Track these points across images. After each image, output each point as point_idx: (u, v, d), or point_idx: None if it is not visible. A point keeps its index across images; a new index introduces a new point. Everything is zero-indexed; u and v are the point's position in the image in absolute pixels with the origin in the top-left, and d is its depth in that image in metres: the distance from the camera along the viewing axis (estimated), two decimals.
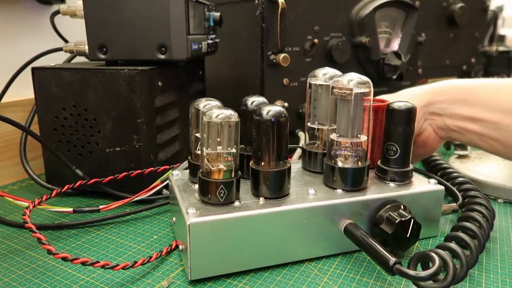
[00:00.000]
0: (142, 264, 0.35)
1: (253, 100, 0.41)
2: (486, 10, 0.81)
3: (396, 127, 0.40)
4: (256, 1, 0.57)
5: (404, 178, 0.41)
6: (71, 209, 0.43)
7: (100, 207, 0.43)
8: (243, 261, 0.36)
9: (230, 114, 0.34)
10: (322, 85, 0.43)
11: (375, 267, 0.37)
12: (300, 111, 0.62)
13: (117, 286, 0.35)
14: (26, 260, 0.39)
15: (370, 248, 0.34)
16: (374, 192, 0.39)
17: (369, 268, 0.37)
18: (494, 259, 0.38)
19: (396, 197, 0.39)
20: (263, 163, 0.36)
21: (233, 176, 0.36)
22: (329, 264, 0.38)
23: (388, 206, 0.38)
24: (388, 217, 0.37)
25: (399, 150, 0.40)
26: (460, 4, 0.75)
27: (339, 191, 0.39)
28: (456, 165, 0.57)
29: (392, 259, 0.31)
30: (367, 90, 0.38)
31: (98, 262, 0.33)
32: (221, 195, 0.35)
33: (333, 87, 0.39)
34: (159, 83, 0.50)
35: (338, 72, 0.43)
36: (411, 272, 0.30)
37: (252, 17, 0.58)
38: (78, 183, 0.45)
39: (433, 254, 0.32)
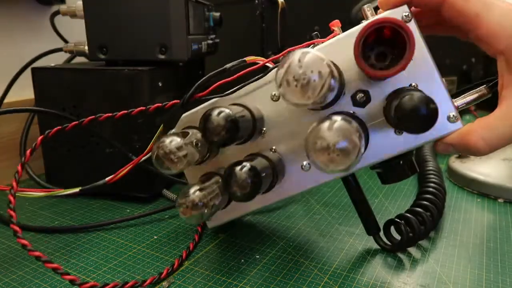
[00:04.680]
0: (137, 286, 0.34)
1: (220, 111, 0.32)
2: None
3: None
4: (256, 1, 0.57)
5: None
6: (77, 189, 0.41)
7: (107, 179, 0.41)
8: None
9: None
10: None
11: (376, 267, 0.37)
12: None
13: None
14: (27, 261, 0.39)
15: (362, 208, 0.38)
16: None
17: (369, 268, 0.37)
18: (494, 258, 0.38)
19: None
20: None
21: None
22: (329, 264, 0.38)
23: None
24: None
25: None
26: None
27: None
28: (456, 165, 0.57)
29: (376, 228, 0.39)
30: None
31: (86, 283, 0.32)
32: None
33: None
34: (159, 83, 0.50)
35: None
36: (381, 243, 0.39)
37: (252, 17, 0.58)
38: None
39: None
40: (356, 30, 0.32)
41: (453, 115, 0.31)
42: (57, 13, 0.58)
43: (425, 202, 0.42)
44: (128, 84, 0.47)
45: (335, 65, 0.31)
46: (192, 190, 0.33)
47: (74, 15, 0.51)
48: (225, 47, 0.65)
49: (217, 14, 0.58)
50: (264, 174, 0.32)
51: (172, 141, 0.33)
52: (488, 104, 0.35)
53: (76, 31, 0.62)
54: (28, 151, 0.36)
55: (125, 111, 0.37)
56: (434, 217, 0.41)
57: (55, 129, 0.37)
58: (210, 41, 0.57)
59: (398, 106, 0.27)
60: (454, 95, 0.33)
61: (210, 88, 0.35)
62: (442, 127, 0.32)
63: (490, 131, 0.31)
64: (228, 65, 0.35)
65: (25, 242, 0.32)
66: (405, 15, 0.31)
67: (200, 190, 0.33)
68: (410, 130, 0.28)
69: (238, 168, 0.31)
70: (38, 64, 0.55)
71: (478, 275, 0.36)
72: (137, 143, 0.48)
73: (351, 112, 0.33)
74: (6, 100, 0.58)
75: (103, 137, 0.48)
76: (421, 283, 0.35)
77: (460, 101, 0.33)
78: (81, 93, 0.48)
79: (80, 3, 0.49)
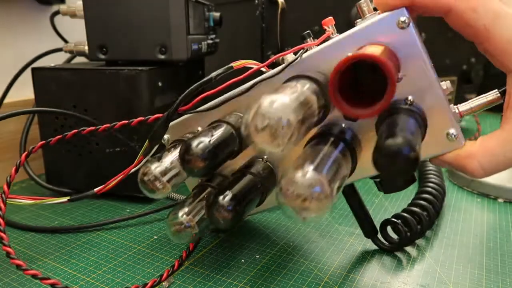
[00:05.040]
0: None
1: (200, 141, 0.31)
2: None
3: None
4: (256, 1, 0.57)
5: None
6: (65, 199, 0.42)
7: (96, 189, 0.40)
8: None
9: None
10: None
11: (376, 267, 0.37)
12: None
13: (118, 286, 0.35)
14: (27, 261, 0.39)
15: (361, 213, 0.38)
16: None
17: (369, 268, 0.37)
18: (494, 258, 0.38)
19: None
20: None
21: None
22: (329, 264, 0.38)
23: None
24: None
25: None
26: None
27: None
28: None
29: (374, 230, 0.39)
30: None
31: None
32: None
33: None
34: (159, 83, 0.50)
35: None
36: (380, 244, 0.40)
37: (252, 17, 0.58)
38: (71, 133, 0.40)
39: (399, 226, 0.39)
40: (347, 36, 0.30)
41: (452, 133, 0.29)
42: (57, 13, 0.58)
43: (421, 202, 0.42)
44: (128, 84, 0.47)
45: (318, 82, 0.29)
46: (180, 213, 0.34)
47: (74, 15, 0.51)
48: (225, 47, 0.65)
49: (217, 14, 0.58)
50: (249, 197, 0.32)
51: (157, 166, 0.33)
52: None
53: (76, 31, 0.62)
54: (23, 154, 0.36)
55: (108, 125, 0.37)
56: (430, 216, 0.41)
57: (56, 137, 0.37)
58: (210, 41, 0.57)
59: (375, 150, 0.24)
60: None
61: (195, 101, 0.34)
62: (439, 145, 0.30)
63: (490, 158, 0.29)
64: (213, 74, 0.34)
65: (10, 250, 0.32)
66: (401, 21, 0.28)
67: (187, 213, 0.34)
68: (383, 178, 0.26)
69: (220, 197, 0.31)
70: (38, 64, 0.55)
71: (478, 275, 0.36)
72: (137, 143, 0.48)
73: (342, 126, 0.32)
74: (6, 100, 0.58)
75: (121, 138, 0.48)
76: (421, 283, 0.35)
77: (465, 107, 0.31)
78: (81, 93, 0.48)
79: (80, 3, 0.49)
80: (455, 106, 0.31)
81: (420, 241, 0.41)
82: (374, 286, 0.34)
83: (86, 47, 0.50)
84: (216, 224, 0.32)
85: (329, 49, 0.31)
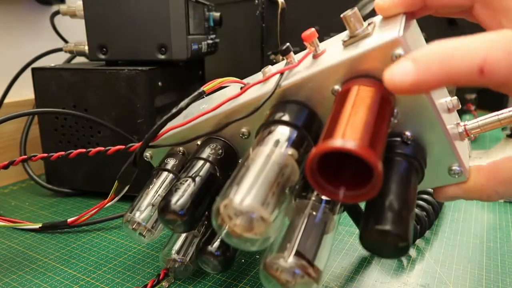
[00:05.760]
0: None
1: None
2: None
3: None
4: (256, 1, 0.57)
5: None
6: (37, 226, 0.43)
7: (68, 220, 0.41)
8: None
9: None
10: None
11: (376, 267, 0.37)
12: None
13: (118, 286, 0.35)
14: (27, 261, 0.39)
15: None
16: None
17: (370, 268, 0.37)
18: (494, 258, 0.38)
19: None
20: None
21: None
22: (329, 264, 0.38)
23: None
24: None
25: None
26: None
27: None
28: None
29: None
30: None
31: None
32: None
33: None
34: (159, 83, 0.50)
35: None
36: None
37: (252, 17, 0.58)
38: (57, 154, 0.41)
39: None
40: (333, 65, 0.26)
41: (455, 169, 0.27)
42: (57, 13, 0.58)
43: (420, 202, 0.42)
44: (128, 84, 0.47)
45: (297, 127, 0.27)
46: (173, 251, 0.35)
47: (74, 15, 0.51)
48: (225, 47, 0.65)
49: (217, 14, 0.58)
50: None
51: (141, 214, 0.33)
52: (488, 103, 0.34)
53: (76, 31, 0.62)
54: (19, 159, 0.37)
55: (82, 150, 0.38)
56: (430, 216, 0.42)
57: (57, 154, 0.38)
58: (210, 41, 0.57)
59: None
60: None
61: (163, 132, 0.33)
62: (440, 179, 0.28)
63: (507, 187, 0.26)
64: (182, 104, 0.32)
65: None
66: (396, 55, 0.24)
67: (177, 252, 0.35)
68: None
69: (209, 247, 0.31)
70: (38, 64, 0.55)
71: (478, 275, 0.36)
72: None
73: None
74: (6, 100, 0.58)
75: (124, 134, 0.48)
76: (421, 283, 0.35)
77: (473, 125, 0.28)
78: (81, 93, 0.48)
79: (80, 3, 0.49)
80: (463, 124, 0.29)
81: (420, 241, 0.41)
82: (374, 286, 0.34)
83: (86, 47, 0.50)
84: (207, 270, 0.32)
85: (312, 79, 0.27)
